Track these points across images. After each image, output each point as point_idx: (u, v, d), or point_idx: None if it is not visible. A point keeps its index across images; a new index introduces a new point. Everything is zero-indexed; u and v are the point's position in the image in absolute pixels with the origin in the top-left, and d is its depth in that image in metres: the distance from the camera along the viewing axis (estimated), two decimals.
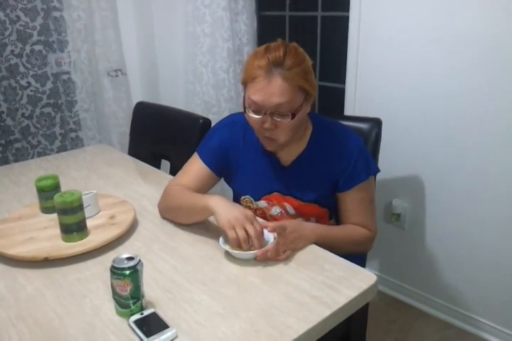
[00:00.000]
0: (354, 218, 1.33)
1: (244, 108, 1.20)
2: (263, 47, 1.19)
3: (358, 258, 1.46)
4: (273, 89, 1.12)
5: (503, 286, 1.82)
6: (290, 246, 1.15)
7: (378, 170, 1.36)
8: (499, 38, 1.59)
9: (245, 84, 1.19)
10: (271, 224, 1.15)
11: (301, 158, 1.31)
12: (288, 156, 1.32)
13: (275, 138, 1.21)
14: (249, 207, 1.38)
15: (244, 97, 1.20)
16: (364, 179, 1.30)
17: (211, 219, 1.35)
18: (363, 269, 1.11)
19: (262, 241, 1.12)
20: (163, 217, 1.37)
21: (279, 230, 1.13)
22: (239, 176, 1.38)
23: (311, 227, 1.24)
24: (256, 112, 1.18)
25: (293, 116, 1.16)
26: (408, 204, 2.05)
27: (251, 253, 1.12)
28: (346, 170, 1.28)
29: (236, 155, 1.34)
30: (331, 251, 1.18)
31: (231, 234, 1.10)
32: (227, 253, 1.16)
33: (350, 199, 1.32)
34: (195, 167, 1.36)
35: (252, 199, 1.37)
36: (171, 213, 1.34)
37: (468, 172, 1.80)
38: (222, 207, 1.15)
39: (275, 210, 1.35)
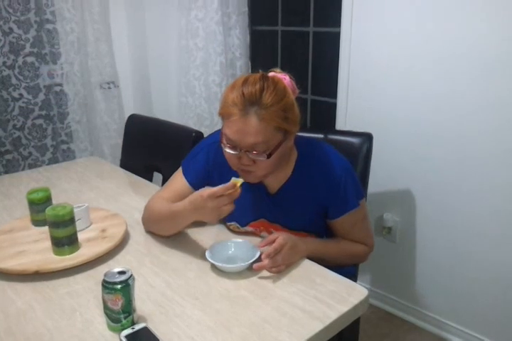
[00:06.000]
0: (350, 237, 1.32)
1: (222, 143, 1.17)
2: (241, 78, 1.13)
3: (350, 271, 1.47)
4: (248, 129, 1.08)
5: (495, 299, 1.83)
6: (284, 262, 1.15)
7: (363, 195, 1.33)
8: (491, 53, 1.62)
9: (221, 118, 1.15)
10: (270, 248, 1.13)
11: (286, 185, 1.27)
12: (274, 184, 1.28)
13: (253, 171, 1.17)
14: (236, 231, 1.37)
15: (221, 130, 1.16)
16: (355, 206, 1.27)
17: (200, 231, 1.36)
18: (355, 284, 1.11)
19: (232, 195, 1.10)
20: (148, 231, 1.37)
21: (276, 252, 1.13)
22: None
23: (305, 242, 1.23)
24: (232, 149, 1.14)
25: (269, 155, 1.11)
26: (399, 218, 2.06)
27: (234, 267, 1.14)
28: (335, 197, 1.25)
29: (220, 178, 1.28)
30: (324, 263, 1.19)
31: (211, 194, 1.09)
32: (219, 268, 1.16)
33: (343, 224, 1.30)
34: (179, 184, 1.34)
35: (238, 225, 1.35)
36: (156, 224, 1.32)
37: (458, 187, 1.82)
38: (191, 210, 1.16)
39: (263, 235, 1.34)
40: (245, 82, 1.11)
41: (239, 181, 1.11)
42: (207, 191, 1.10)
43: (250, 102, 1.08)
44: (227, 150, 1.15)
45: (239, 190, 1.10)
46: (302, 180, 1.26)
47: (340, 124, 2.14)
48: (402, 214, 2.04)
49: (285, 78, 1.19)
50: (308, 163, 1.26)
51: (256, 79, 1.11)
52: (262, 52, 2.64)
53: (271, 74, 1.18)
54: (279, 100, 1.10)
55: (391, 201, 2.06)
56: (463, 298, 1.93)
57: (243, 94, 1.08)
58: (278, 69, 1.22)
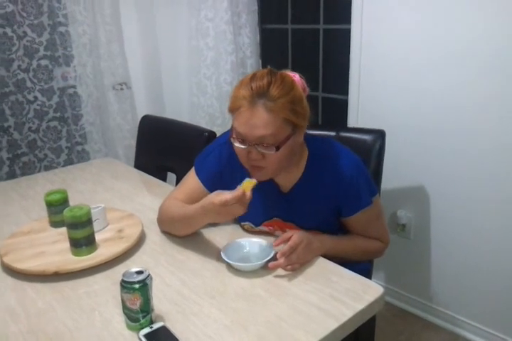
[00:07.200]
0: (365, 234, 1.32)
1: (231, 137, 1.17)
2: (249, 75, 1.16)
3: (365, 267, 1.48)
4: (256, 121, 1.09)
5: (511, 295, 1.82)
6: (299, 261, 1.16)
7: (376, 192, 1.33)
8: (502, 50, 1.61)
9: (231, 113, 1.16)
10: (285, 247, 1.14)
11: (299, 184, 1.28)
12: (286, 182, 1.29)
13: (263, 166, 1.17)
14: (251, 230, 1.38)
15: (232, 126, 1.18)
16: (368, 203, 1.27)
17: (215, 230, 1.37)
18: (370, 281, 1.12)
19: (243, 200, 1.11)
20: (163, 231, 1.38)
21: (291, 250, 1.13)
22: None
23: (320, 240, 1.23)
24: (241, 142, 1.15)
25: (277, 148, 1.12)
26: (413, 215, 2.05)
27: (250, 265, 1.15)
28: (347, 195, 1.25)
29: (233, 177, 1.30)
30: (338, 260, 1.21)
31: (221, 202, 1.10)
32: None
33: (358, 222, 1.30)
34: (193, 184, 1.35)
35: (252, 225, 1.36)
36: (171, 225, 1.34)
37: (472, 182, 1.81)
38: (203, 215, 1.19)
39: (277, 234, 1.34)
40: (253, 77, 1.13)
41: (252, 182, 1.11)
42: (218, 198, 1.11)
43: (258, 95, 1.09)
44: (237, 144, 1.16)
45: (249, 195, 1.10)
46: (314, 178, 1.26)
47: (352, 121, 2.14)
48: (416, 211, 2.04)
49: (295, 76, 1.20)
50: (318, 162, 1.26)
51: (264, 74, 1.13)
52: (272, 51, 2.64)
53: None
54: (287, 93, 1.11)
55: (404, 198, 2.06)
56: (478, 295, 1.92)
57: (251, 87, 1.10)
58: (288, 70, 1.22)
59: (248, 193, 1.10)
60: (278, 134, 1.11)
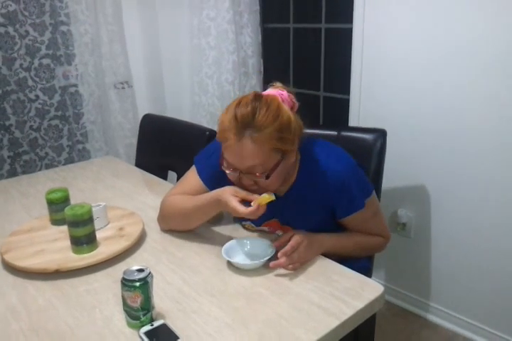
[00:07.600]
0: (364, 231, 1.32)
1: (222, 166, 1.18)
2: (236, 100, 1.14)
3: (365, 265, 1.48)
4: (244, 152, 1.09)
5: (510, 294, 1.82)
6: (300, 260, 1.16)
7: (373, 188, 1.31)
8: (502, 49, 1.60)
9: (219, 141, 1.15)
10: (287, 246, 1.15)
11: (293, 187, 1.27)
12: (282, 186, 1.27)
13: (256, 189, 1.17)
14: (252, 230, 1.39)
15: (222, 154, 1.18)
16: (361, 206, 1.26)
17: (216, 228, 1.37)
18: (370, 280, 1.12)
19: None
20: (165, 230, 1.38)
21: (293, 249, 1.14)
22: None
23: (321, 240, 1.23)
24: (233, 171, 1.16)
25: (267, 177, 1.13)
26: (413, 214, 2.05)
27: (250, 264, 1.16)
28: (340, 198, 1.24)
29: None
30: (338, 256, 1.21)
31: (236, 213, 1.16)
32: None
33: (354, 221, 1.30)
34: (193, 183, 1.35)
35: (253, 225, 1.36)
36: (177, 220, 1.34)
37: (473, 182, 1.81)
38: (219, 204, 1.21)
39: (278, 233, 1.35)
40: (238, 104, 1.12)
41: (271, 198, 1.13)
42: (233, 204, 1.14)
43: (243, 125, 1.08)
44: (228, 172, 1.17)
45: (263, 210, 1.14)
46: (307, 181, 1.26)
47: (354, 121, 2.14)
48: (417, 210, 2.04)
49: (283, 94, 1.18)
50: (311, 165, 1.26)
51: (248, 101, 1.11)
52: (274, 50, 2.64)
53: (265, 92, 1.18)
54: (273, 121, 1.09)
55: (405, 197, 2.06)
56: (478, 294, 1.92)
57: (236, 116, 1.09)
58: (279, 84, 1.22)
59: (262, 208, 1.13)
60: (267, 163, 1.12)
